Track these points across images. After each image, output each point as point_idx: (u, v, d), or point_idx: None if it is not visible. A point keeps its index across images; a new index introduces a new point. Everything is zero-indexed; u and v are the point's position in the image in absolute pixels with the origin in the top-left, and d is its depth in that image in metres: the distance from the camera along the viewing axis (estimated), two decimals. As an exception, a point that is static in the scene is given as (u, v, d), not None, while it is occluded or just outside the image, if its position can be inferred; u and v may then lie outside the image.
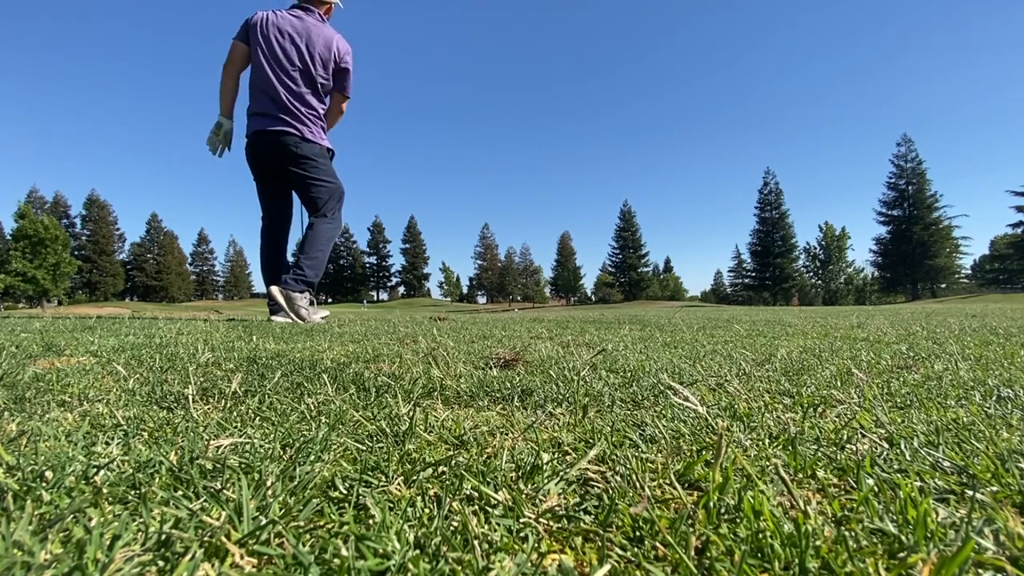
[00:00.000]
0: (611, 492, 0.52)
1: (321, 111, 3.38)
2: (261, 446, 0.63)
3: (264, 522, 0.41)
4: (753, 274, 63.11)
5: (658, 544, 0.41)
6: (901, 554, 0.40)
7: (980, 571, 0.38)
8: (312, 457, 0.59)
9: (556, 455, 0.64)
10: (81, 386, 1.01)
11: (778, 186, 60.38)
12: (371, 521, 0.44)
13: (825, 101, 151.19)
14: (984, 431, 0.72)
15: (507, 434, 0.74)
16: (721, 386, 1.09)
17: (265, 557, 0.38)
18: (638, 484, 0.53)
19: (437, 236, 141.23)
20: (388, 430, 0.72)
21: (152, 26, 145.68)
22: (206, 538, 0.39)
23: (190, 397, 0.91)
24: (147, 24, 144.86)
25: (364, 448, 0.64)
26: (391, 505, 0.48)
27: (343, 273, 78.70)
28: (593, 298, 77.10)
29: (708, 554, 0.40)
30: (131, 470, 0.54)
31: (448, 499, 0.48)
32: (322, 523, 0.44)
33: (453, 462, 0.58)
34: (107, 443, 0.64)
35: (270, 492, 0.48)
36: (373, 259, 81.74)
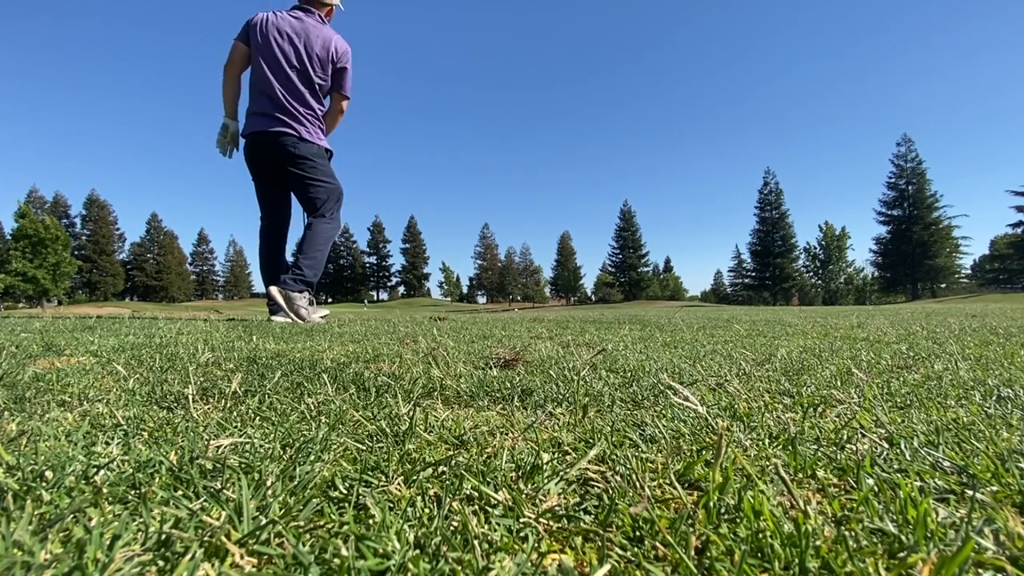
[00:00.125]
0: (611, 492, 0.52)
1: (320, 111, 3.37)
2: (261, 446, 0.63)
3: (264, 522, 0.41)
4: (753, 274, 63.12)
5: (658, 544, 0.41)
6: (901, 554, 0.39)
7: (980, 571, 0.38)
8: (312, 457, 0.59)
9: (556, 455, 0.64)
10: (81, 386, 1.01)
11: (778, 186, 60.41)
12: (371, 521, 0.44)
13: (825, 101, 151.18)
14: (984, 431, 0.71)
15: (507, 434, 0.74)
16: (721, 386, 1.09)
17: (265, 557, 0.38)
18: (638, 484, 0.53)
19: (437, 236, 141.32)
20: (388, 430, 0.72)
21: (152, 26, 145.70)
22: (206, 538, 0.39)
23: (190, 397, 0.91)
24: (147, 24, 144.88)
25: (364, 448, 0.64)
26: (391, 505, 0.48)
27: (343, 273, 78.72)
28: (593, 298, 77.11)
29: (708, 554, 0.40)
30: (131, 470, 0.54)
31: (448, 499, 0.48)
32: (322, 523, 0.44)
33: (453, 462, 0.58)
34: (107, 443, 0.64)
35: (270, 492, 0.48)
36: (373, 259, 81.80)
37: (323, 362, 1.38)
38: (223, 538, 0.39)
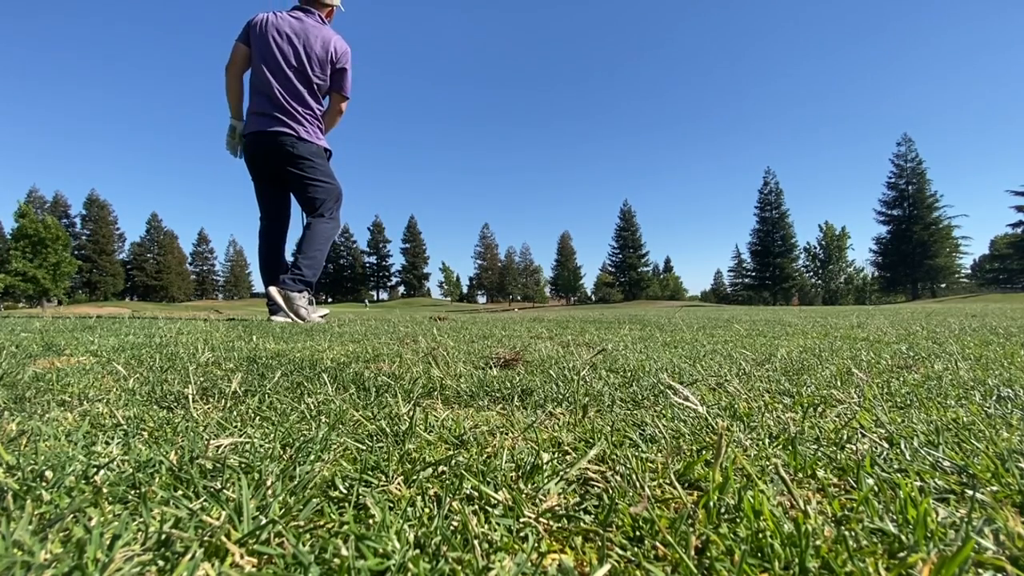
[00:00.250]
0: (611, 492, 0.52)
1: (319, 111, 3.37)
2: (261, 446, 0.63)
3: (264, 522, 0.41)
4: (753, 274, 63.12)
5: (658, 544, 0.41)
6: (901, 554, 0.39)
7: (980, 571, 0.38)
8: (312, 457, 0.59)
9: (556, 455, 0.64)
10: (81, 386, 1.01)
11: (778, 186, 60.41)
12: (371, 521, 0.44)
13: (825, 101, 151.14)
14: (984, 431, 0.71)
15: (507, 434, 0.74)
16: (721, 386, 1.09)
17: (265, 557, 0.38)
18: (638, 484, 0.53)
19: (437, 236, 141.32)
20: (388, 430, 0.72)
21: (152, 26, 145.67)
22: (206, 538, 0.39)
23: (190, 397, 0.91)
24: (147, 23, 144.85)
25: (364, 448, 0.64)
26: (391, 505, 0.48)
27: (343, 273, 78.73)
28: (593, 298, 77.10)
29: (708, 554, 0.40)
30: (131, 470, 0.54)
31: (448, 499, 0.48)
32: (322, 523, 0.44)
33: (453, 462, 0.58)
34: (107, 443, 0.64)
35: (270, 492, 0.48)
36: (373, 259, 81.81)
37: (323, 362, 1.38)
38: (223, 538, 0.39)
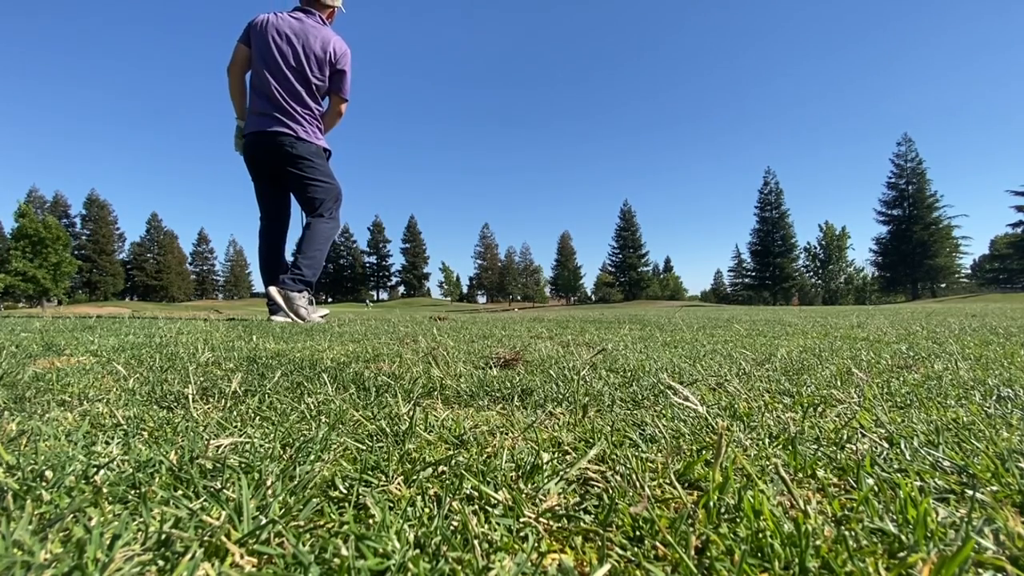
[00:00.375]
0: (611, 492, 0.52)
1: (318, 111, 3.37)
2: (261, 446, 0.63)
3: (264, 522, 0.41)
4: (753, 274, 63.12)
5: (658, 544, 0.41)
6: (901, 554, 0.39)
7: (980, 571, 0.38)
8: (312, 457, 0.59)
9: (556, 455, 0.64)
10: (81, 386, 1.01)
11: (778, 186, 60.41)
12: (371, 521, 0.44)
13: (825, 101, 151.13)
14: (984, 431, 0.71)
15: (507, 434, 0.74)
16: (721, 386, 1.09)
17: (265, 557, 0.38)
18: (638, 484, 0.53)
19: (437, 236, 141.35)
20: (388, 430, 0.72)
21: (152, 25, 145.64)
22: (206, 538, 0.39)
23: (190, 397, 0.91)
24: (147, 23, 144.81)
25: (364, 448, 0.64)
26: (391, 505, 0.48)
27: (343, 273, 78.72)
28: (593, 298, 77.10)
29: (708, 554, 0.40)
30: (131, 470, 0.54)
31: (448, 499, 0.48)
32: (322, 523, 0.44)
33: (453, 462, 0.58)
34: (107, 443, 0.64)
35: (270, 492, 0.48)
36: (373, 259, 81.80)
37: (323, 362, 1.38)
38: (223, 538, 0.39)
